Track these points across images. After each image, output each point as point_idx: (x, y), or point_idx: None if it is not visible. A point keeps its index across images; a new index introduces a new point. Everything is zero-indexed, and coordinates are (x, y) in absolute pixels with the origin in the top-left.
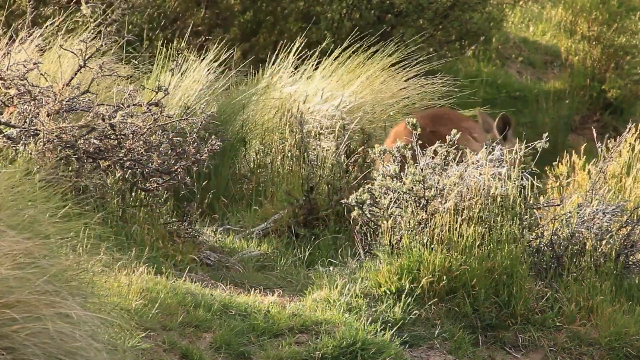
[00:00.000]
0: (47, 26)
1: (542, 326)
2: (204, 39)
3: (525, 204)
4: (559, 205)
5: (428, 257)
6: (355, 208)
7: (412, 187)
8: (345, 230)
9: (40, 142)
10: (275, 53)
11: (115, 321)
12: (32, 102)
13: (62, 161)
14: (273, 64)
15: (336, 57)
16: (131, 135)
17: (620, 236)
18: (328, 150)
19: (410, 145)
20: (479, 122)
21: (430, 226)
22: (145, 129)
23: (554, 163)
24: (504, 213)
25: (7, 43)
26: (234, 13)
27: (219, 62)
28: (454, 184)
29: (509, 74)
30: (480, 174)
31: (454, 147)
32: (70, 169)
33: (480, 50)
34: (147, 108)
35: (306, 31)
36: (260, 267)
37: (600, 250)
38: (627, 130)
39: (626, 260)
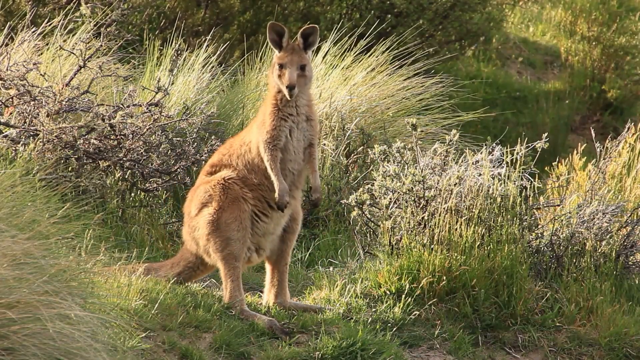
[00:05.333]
0: (46, 26)
1: (542, 326)
2: (203, 38)
3: (525, 205)
4: (558, 205)
5: (428, 257)
6: (355, 208)
7: (411, 188)
8: (345, 230)
9: (40, 142)
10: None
11: (115, 322)
12: (32, 103)
13: (62, 161)
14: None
15: (335, 56)
16: (131, 136)
17: (620, 236)
18: (328, 150)
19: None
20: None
21: (430, 227)
22: (145, 129)
23: (553, 163)
24: (503, 213)
25: (6, 43)
26: (233, 13)
27: (218, 61)
28: (454, 184)
29: (509, 74)
30: (480, 175)
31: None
32: (70, 169)
33: (480, 50)
34: (147, 108)
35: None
36: (260, 267)
37: (600, 250)
38: (626, 129)
39: (626, 260)
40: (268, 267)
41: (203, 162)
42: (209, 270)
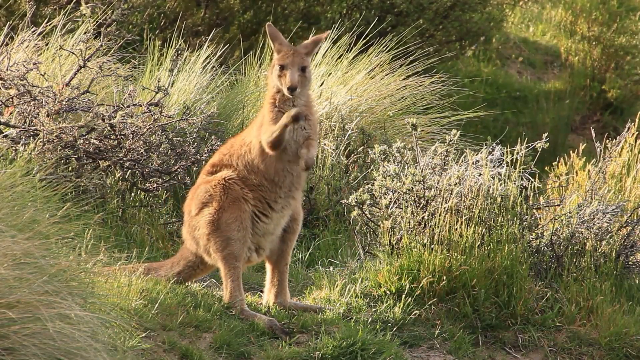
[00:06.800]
0: (46, 26)
1: (542, 326)
2: (203, 38)
3: (525, 205)
4: (558, 205)
5: (428, 257)
6: (355, 208)
7: (412, 187)
8: (345, 230)
9: (40, 142)
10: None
11: (115, 322)
12: (32, 102)
13: (62, 161)
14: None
15: (335, 56)
16: (131, 136)
17: (620, 236)
18: (328, 150)
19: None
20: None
21: (430, 226)
22: (145, 129)
23: (554, 163)
24: (503, 213)
25: (6, 43)
26: (233, 13)
27: (218, 61)
28: (454, 184)
29: (509, 74)
30: (480, 174)
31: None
32: (70, 169)
33: (481, 50)
34: (147, 108)
35: (306, 31)
36: (260, 267)
37: (600, 250)
38: (626, 129)
39: (626, 260)
40: (268, 267)
41: (203, 162)
42: (209, 270)
